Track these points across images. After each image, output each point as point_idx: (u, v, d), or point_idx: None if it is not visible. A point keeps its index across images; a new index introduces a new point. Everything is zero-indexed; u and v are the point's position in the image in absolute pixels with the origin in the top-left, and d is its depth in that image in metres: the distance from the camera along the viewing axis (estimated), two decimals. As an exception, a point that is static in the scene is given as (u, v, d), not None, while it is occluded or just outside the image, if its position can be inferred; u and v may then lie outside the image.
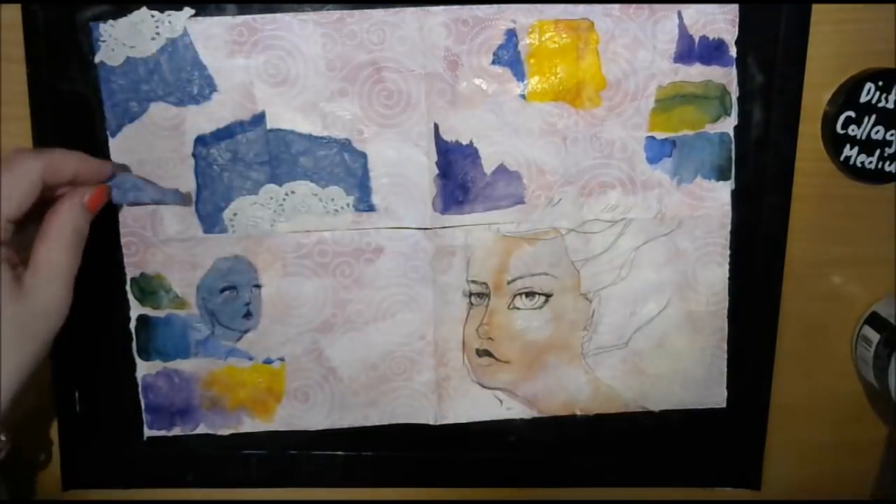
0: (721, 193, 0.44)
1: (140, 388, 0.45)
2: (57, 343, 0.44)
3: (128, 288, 0.44)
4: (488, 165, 0.43)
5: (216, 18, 0.41)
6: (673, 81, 0.42)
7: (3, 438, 0.41)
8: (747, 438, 0.47)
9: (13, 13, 0.42)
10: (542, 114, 0.42)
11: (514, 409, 0.46)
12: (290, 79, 0.42)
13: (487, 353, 0.45)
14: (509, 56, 0.42)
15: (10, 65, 0.43)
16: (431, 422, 0.46)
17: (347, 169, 0.43)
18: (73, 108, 0.42)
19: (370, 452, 0.46)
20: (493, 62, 0.42)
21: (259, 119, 0.42)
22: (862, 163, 0.44)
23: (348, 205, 0.43)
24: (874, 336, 0.45)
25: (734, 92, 0.43)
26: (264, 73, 0.42)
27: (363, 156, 0.43)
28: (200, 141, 0.42)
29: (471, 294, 0.44)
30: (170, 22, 0.41)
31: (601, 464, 0.47)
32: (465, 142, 0.43)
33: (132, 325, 0.44)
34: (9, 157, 0.37)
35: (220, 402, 0.45)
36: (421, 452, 0.46)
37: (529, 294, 0.44)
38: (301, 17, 0.41)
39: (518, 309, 0.45)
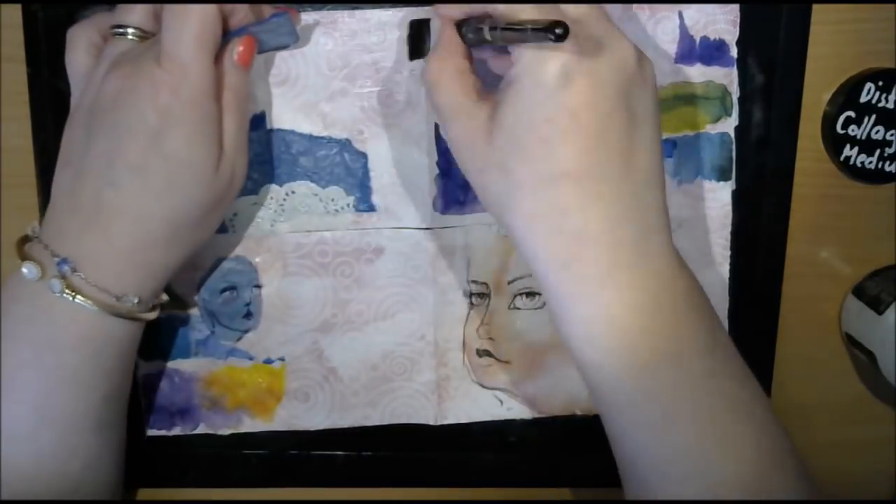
0: (722, 194, 0.44)
1: (140, 388, 0.45)
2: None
3: (128, 288, 0.44)
4: (489, 165, 0.43)
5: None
6: (673, 82, 0.42)
7: (165, 298, 0.40)
8: (747, 438, 0.47)
9: (13, 13, 0.42)
10: (543, 114, 0.42)
11: (514, 410, 0.46)
12: (291, 79, 0.42)
13: (488, 354, 0.45)
14: (510, 56, 0.42)
15: (11, 65, 0.43)
16: (432, 422, 0.46)
17: (348, 169, 0.43)
18: (73, 107, 0.42)
19: (370, 452, 0.46)
20: (494, 62, 0.42)
21: (259, 119, 0.42)
22: (862, 163, 0.44)
23: (348, 205, 0.43)
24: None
25: (735, 92, 0.43)
26: (265, 72, 0.41)
27: (363, 156, 0.43)
28: (201, 141, 0.42)
29: (471, 294, 0.44)
30: (170, 21, 0.41)
31: (601, 464, 0.47)
32: (465, 142, 0.43)
33: (132, 325, 0.44)
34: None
35: (220, 401, 0.45)
36: (421, 452, 0.46)
37: (530, 294, 0.44)
38: (302, 16, 0.41)
39: (519, 309, 0.45)
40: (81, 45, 0.38)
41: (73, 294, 0.35)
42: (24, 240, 0.37)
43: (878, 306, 0.44)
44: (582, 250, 0.32)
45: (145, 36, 0.37)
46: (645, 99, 0.32)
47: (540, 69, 0.31)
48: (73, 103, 0.38)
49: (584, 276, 0.32)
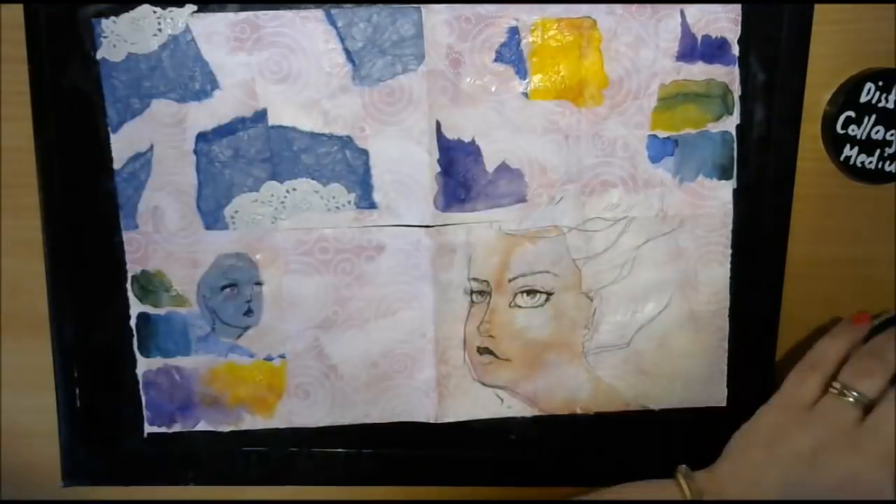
0: (723, 192, 0.44)
1: (141, 385, 0.45)
2: (58, 340, 0.44)
3: (128, 285, 0.44)
4: (490, 163, 0.43)
5: (218, 15, 0.41)
6: (675, 80, 0.42)
7: None
8: (747, 437, 0.47)
9: (14, 13, 0.42)
10: (545, 112, 0.42)
11: (514, 408, 0.46)
12: (292, 76, 0.42)
13: (488, 351, 0.45)
14: (512, 54, 0.42)
15: (11, 65, 0.43)
16: (432, 420, 0.46)
17: (349, 166, 0.43)
18: (74, 104, 0.42)
19: (370, 450, 0.46)
20: (496, 60, 0.42)
21: (261, 116, 0.42)
22: (862, 163, 0.44)
23: (350, 202, 0.43)
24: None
25: (736, 91, 0.43)
26: (266, 69, 0.42)
27: (365, 153, 0.43)
28: (202, 138, 0.42)
29: (472, 292, 0.44)
30: (172, 18, 0.41)
31: (601, 463, 0.47)
32: (466, 139, 0.43)
33: (133, 322, 0.44)
34: None
35: (220, 398, 0.45)
36: (421, 450, 0.46)
37: (530, 292, 0.45)
38: (303, 13, 0.41)
39: (519, 307, 0.45)
40: None
41: None
42: None
43: None
44: None
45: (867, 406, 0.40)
46: None
47: None
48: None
49: None
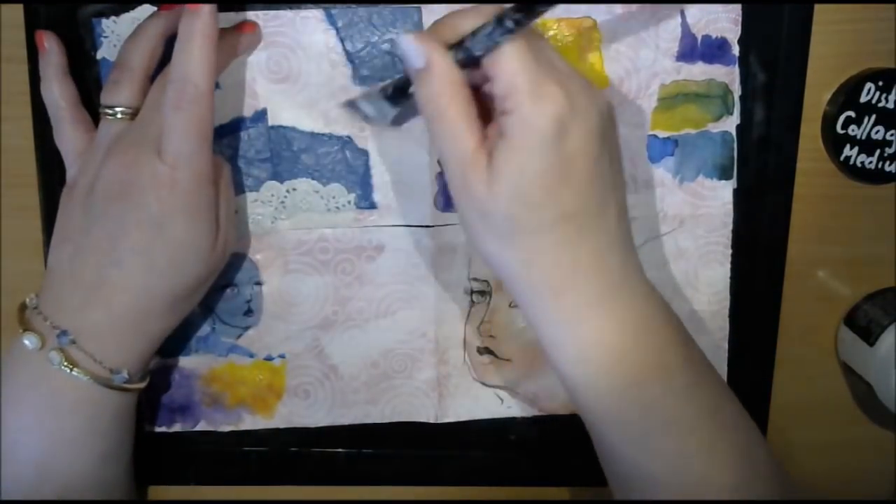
0: (723, 192, 0.44)
1: (140, 385, 0.45)
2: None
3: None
4: (490, 163, 0.43)
5: (219, 15, 0.41)
6: (675, 80, 0.42)
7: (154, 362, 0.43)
8: (747, 437, 0.47)
9: (14, 13, 0.42)
10: (545, 112, 0.42)
11: (514, 408, 0.46)
12: (293, 75, 0.42)
13: (488, 352, 0.45)
14: (512, 54, 0.42)
15: (11, 65, 0.43)
16: (432, 420, 0.46)
17: (349, 166, 0.43)
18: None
19: (371, 450, 0.46)
20: (496, 60, 0.42)
21: (261, 116, 0.42)
22: (862, 163, 0.44)
23: (350, 202, 0.43)
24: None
25: (736, 91, 0.43)
26: (266, 69, 0.42)
27: (365, 153, 0.43)
28: (202, 137, 0.42)
29: (472, 292, 0.44)
30: (172, 18, 0.41)
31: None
32: (467, 139, 0.43)
33: (132, 321, 0.44)
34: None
35: (220, 399, 0.45)
36: (421, 450, 0.46)
37: (531, 292, 0.44)
38: (303, 13, 0.41)
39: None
40: (67, 119, 0.40)
41: (71, 367, 0.37)
42: (23, 307, 0.39)
43: (868, 337, 0.45)
44: (575, 280, 0.34)
45: (134, 113, 0.38)
46: (615, 139, 0.36)
47: (537, 121, 0.32)
48: (69, 180, 0.40)
49: (576, 304, 0.34)
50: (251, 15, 0.41)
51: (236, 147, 0.42)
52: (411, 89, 0.35)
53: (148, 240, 0.36)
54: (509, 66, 0.32)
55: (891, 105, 0.44)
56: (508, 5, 0.32)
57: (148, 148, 0.36)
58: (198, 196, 0.37)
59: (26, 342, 0.36)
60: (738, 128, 0.43)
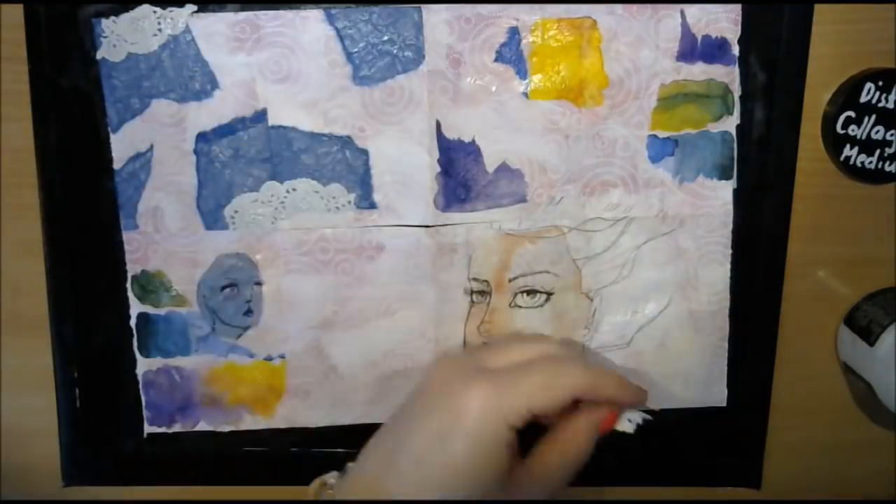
0: (723, 192, 0.44)
1: (140, 385, 0.45)
2: (58, 340, 0.44)
3: (128, 285, 0.44)
4: (490, 163, 0.43)
5: (218, 15, 0.41)
6: (675, 80, 0.42)
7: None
8: (747, 438, 0.47)
9: (14, 13, 0.42)
10: (545, 112, 0.42)
11: (514, 408, 0.46)
12: (293, 76, 0.42)
13: (488, 351, 0.45)
14: (512, 54, 0.42)
15: (11, 65, 0.43)
16: (432, 420, 0.46)
17: (349, 166, 0.43)
18: (74, 104, 0.42)
19: (371, 450, 0.46)
20: (496, 60, 0.42)
21: (261, 116, 0.42)
22: (862, 163, 0.44)
23: (350, 202, 0.43)
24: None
25: (736, 91, 0.43)
26: (266, 69, 0.42)
27: (365, 153, 0.43)
28: (202, 137, 0.42)
29: (472, 292, 0.44)
30: (172, 18, 0.41)
31: (601, 463, 0.47)
32: (467, 139, 0.43)
33: (133, 322, 0.44)
34: (558, 355, 0.38)
35: (220, 399, 0.45)
36: (421, 450, 0.46)
37: (531, 292, 0.45)
38: (303, 13, 0.41)
39: (519, 307, 0.45)
40: None
41: None
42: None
43: (868, 337, 0.45)
44: None
45: None
46: None
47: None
48: None
49: None
50: (251, 15, 0.41)
51: (236, 147, 0.42)
52: None
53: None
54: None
55: (891, 105, 0.44)
56: None
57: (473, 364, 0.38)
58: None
59: None
60: (738, 128, 0.43)
